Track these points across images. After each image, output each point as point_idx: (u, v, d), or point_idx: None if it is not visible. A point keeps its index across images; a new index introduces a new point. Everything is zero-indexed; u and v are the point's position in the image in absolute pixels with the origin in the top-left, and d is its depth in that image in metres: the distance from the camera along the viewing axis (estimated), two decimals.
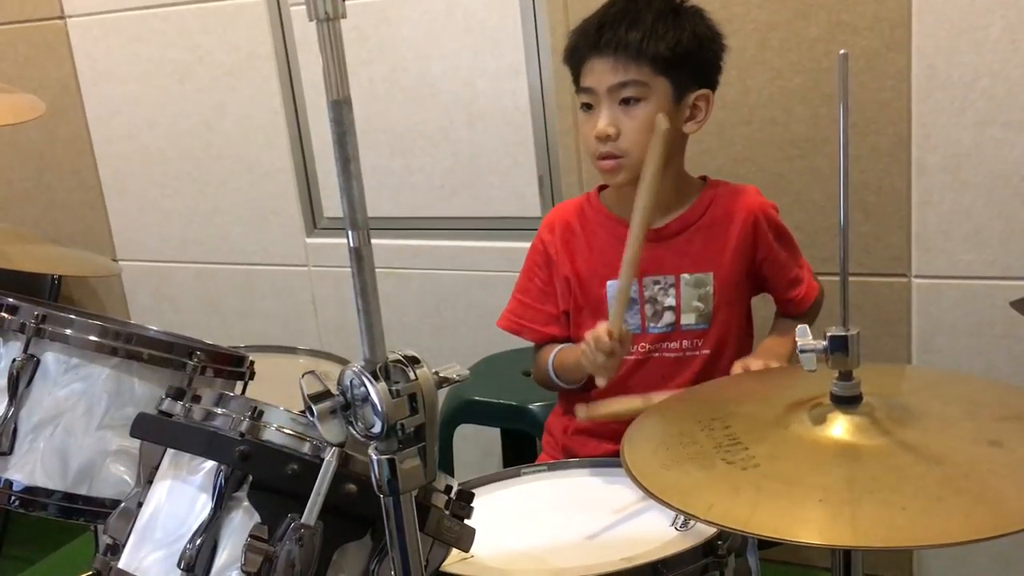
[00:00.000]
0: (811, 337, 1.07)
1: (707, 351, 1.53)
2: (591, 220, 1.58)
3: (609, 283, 1.53)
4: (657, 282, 1.53)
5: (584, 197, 1.62)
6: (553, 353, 1.58)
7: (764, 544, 1.55)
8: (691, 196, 1.55)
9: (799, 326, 1.10)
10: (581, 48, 1.48)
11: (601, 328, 1.38)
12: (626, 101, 1.44)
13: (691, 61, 1.46)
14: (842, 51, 1.00)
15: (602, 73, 1.45)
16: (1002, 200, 1.82)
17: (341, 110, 0.79)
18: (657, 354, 1.54)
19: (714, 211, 1.54)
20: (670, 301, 1.53)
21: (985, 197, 1.83)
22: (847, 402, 1.05)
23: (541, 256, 1.61)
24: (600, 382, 1.40)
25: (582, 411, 1.45)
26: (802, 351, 1.06)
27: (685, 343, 1.53)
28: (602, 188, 1.60)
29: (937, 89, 1.81)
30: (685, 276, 1.52)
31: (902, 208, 1.91)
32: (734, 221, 1.53)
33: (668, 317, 1.53)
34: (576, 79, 1.50)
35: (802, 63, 1.91)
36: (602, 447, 1.53)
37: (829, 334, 1.04)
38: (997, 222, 1.83)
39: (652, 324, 1.53)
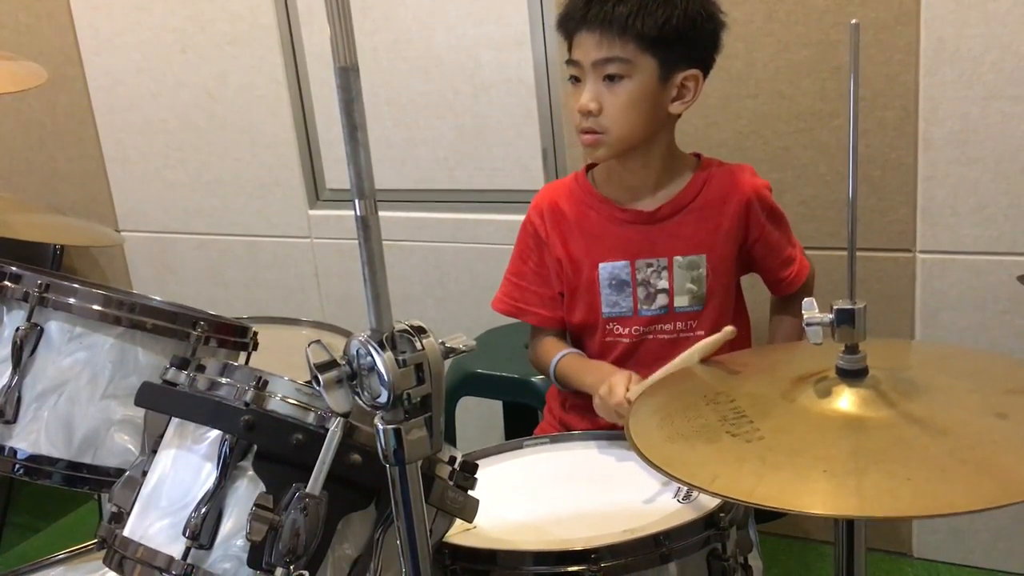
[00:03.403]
0: (817, 310, 1.06)
1: (701, 332, 1.52)
2: (581, 202, 1.56)
3: (601, 265, 1.52)
4: (650, 264, 1.52)
5: (572, 178, 1.60)
6: (557, 358, 1.57)
7: (766, 516, 1.56)
8: (684, 176, 1.53)
9: (805, 300, 1.09)
10: (569, 20, 1.45)
11: (619, 390, 1.36)
12: (610, 77, 1.42)
13: (681, 41, 1.42)
14: (853, 20, 0.99)
15: (588, 47, 1.42)
16: (1009, 175, 1.81)
17: (348, 77, 0.78)
18: (651, 336, 1.53)
19: (707, 193, 1.52)
20: (663, 284, 1.52)
21: (992, 172, 1.82)
22: (853, 375, 1.05)
23: (532, 239, 1.59)
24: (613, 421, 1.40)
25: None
26: (808, 324, 1.05)
27: (679, 325, 1.53)
28: (589, 168, 1.58)
29: (945, 62, 1.80)
30: (678, 258, 1.51)
31: (908, 183, 1.90)
32: (728, 203, 1.51)
33: (661, 300, 1.52)
34: (568, 49, 1.48)
35: (809, 35, 1.89)
36: (598, 422, 1.52)
37: (836, 307, 1.04)
38: (1003, 197, 1.83)
39: (645, 307, 1.53)
